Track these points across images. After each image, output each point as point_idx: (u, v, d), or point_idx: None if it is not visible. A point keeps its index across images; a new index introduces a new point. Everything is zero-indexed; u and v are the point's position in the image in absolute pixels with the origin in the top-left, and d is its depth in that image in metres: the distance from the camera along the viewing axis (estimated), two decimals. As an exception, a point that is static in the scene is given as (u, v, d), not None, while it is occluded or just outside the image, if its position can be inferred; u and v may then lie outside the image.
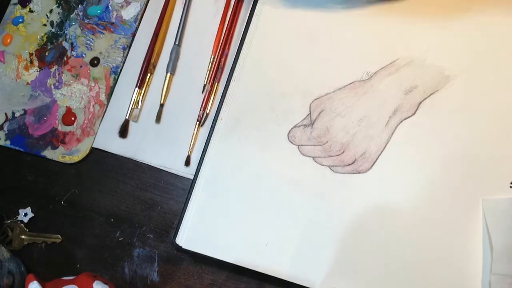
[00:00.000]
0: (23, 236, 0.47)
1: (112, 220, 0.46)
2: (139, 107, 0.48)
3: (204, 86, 0.48)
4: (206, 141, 0.45)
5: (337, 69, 0.44)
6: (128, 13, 0.52)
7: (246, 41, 0.46)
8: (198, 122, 0.47)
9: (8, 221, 0.48)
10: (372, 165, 0.41)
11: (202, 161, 0.44)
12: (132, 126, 0.48)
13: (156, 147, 0.47)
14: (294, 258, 0.40)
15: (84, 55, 0.51)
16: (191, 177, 0.45)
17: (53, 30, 0.53)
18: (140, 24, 0.52)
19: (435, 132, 0.42)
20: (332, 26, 0.46)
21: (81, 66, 0.51)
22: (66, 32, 0.52)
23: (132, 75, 0.50)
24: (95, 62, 0.51)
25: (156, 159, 0.47)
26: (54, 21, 0.53)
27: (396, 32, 0.44)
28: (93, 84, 0.50)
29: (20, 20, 0.54)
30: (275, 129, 0.44)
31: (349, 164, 0.42)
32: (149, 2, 0.52)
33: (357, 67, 0.44)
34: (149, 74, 0.49)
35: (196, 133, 0.47)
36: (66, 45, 0.52)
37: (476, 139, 0.41)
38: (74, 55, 0.51)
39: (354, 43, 0.45)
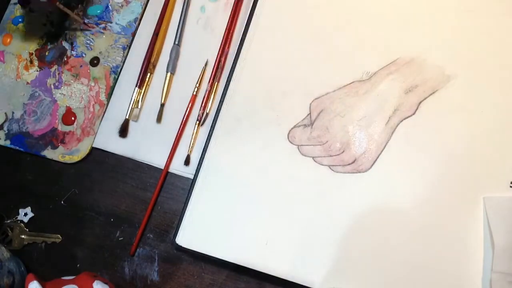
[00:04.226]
0: (23, 236, 0.47)
1: (112, 220, 0.46)
2: (139, 106, 0.48)
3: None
4: (206, 141, 0.45)
5: (337, 69, 0.44)
6: (128, 13, 0.52)
7: (246, 41, 0.46)
8: (198, 122, 0.47)
9: (8, 221, 0.48)
10: (372, 165, 0.41)
11: (202, 161, 0.44)
12: (132, 125, 0.48)
13: (156, 147, 0.47)
14: (294, 257, 0.40)
15: (84, 55, 0.51)
16: (191, 176, 0.45)
17: (53, 29, 0.53)
18: (140, 24, 0.52)
19: (435, 132, 0.42)
20: (332, 25, 0.46)
21: (81, 66, 0.51)
22: (66, 31, 0.52)
23: (132, 74, 0.50)
24: (95, 61, 0.51)
25: (156, 158, 0.47)
26: (54, 21, 0.53)
27: (397, 32, 0.44)
28: (93, 84, 0.50)
29: (20, 19, 0.54)
30: (275, 129, 0.44)
31: (349, 164, 0.42)
32: (149, 2, 0.52)
33: (357, 67, 0.44)
34: (149, 74, 0.49)
35: (196, 133, 0.47)
36: (66, 45, 0.52)
37: (476, 138, 0.41)
38: (74, 55, 0.51)
39: (354, 43, 0.45)
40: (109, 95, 0.50)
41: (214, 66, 0.48)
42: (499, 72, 0.42)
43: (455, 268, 0.38)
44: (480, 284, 0.38)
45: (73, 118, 0.49)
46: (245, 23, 0.47)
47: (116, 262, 0.45)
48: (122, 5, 0.52)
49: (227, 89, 0.46)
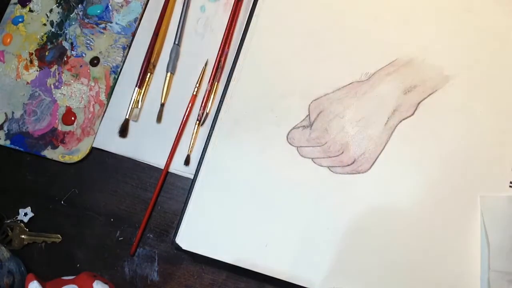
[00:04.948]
0: (23, 236, 0.47)
1: (112, 220, 0.46)
2: (139, 106, 0.48)
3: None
4: (206, 141, 0.45)
5: (336, 70, 0.44)
6: (128, 13, 0.52)
7: (246, 41, 0.46)
8: (198, 122, 0.47)
9: (8, 221, 0.48)
10: (372, 165, 0.41)
11: (202, 161, 0.44)
12: (132, 125, 0.48)
13: (156, 147, 0.47)
14: (293, 258, 0.40)
15: (84, 55, 0.51)
16: (191, 176, 0.45)
17: (53, 29, 0.53)
18: (140, 24, 0.52)
19: (434, 132, 0.42)
20: (331, 26, 0.46)
21: (81, 66, 0.51)
22: (66, 31, 0.52)
23: (132, 74, 0.50)
24: (95, 61, 0.51)
25: (156, 158, 0.47)
26: (54, 21, 0.53)
27: (395, 32, 0.45)
28: (93, 84, 0.50)
29: (20, 19, 0.54)
30: (274, 130, 0.44)
31: (348, 165, 0.42)
32: (149, 2, 0.52)
33: (356, 68, 0.44)
34: (149, 74, 0.49)
35: (196, 133, 0.47)
36: (66, 44, 0.52)
37: (475, 139, 0.41)
38: (74, 55, 0.51)
39: (353, 43, 0.45)
40: (109, 95, 0.50)
41: (214, 66, 0.48)
42: (498, 72, 0.42)
43: (455, 268, 0.38)
44: (479, 283, 0.38)
45: (73, 118, 0.49)
46: (245, 23, 0.47)
47: (116, 262, 0.45)
48: (122, 5, 0.52)
49: (227, 89, 0.46)
